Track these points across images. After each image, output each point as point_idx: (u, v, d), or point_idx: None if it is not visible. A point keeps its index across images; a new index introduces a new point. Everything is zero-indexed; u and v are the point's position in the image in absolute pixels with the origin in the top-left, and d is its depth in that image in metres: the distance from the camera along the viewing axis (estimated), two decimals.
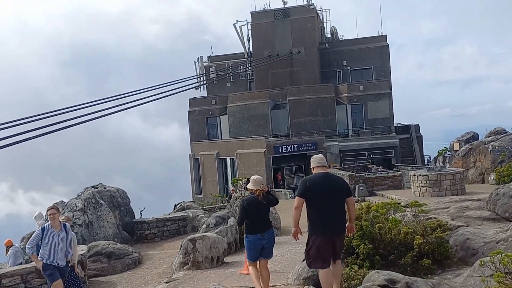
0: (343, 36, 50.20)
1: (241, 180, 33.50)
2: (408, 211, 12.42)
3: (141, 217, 16.65)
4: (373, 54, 44.75)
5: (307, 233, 6.20)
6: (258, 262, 7.10)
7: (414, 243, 8.30)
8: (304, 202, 6.13)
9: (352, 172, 25.83)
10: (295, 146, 36.08)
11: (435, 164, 35.26)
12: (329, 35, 48.97)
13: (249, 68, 44.69)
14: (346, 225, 6.23)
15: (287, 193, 33.27)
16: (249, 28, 45.12)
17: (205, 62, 47.38)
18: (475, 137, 31.72)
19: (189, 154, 43.33)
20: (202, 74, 43.16)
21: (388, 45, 44.92)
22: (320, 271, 6.03)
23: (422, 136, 43.63)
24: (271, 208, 8.07)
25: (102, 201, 14.31)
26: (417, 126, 43.97)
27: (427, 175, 19.01)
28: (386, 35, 45.30)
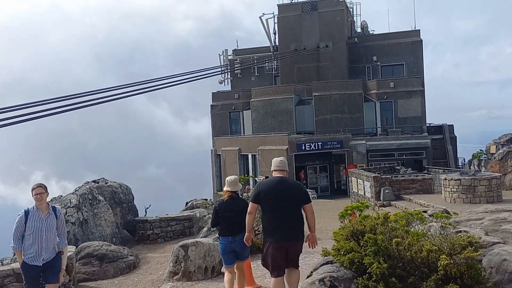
0: (373, 30, 48.20)
1: (257, 178, 32.25)
2: (434, 222, 10.82)
3: (145, 215, 15.51)
4: (405, 49, 42.59)
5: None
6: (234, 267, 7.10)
7: (439, 263, 6.79)
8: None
9: (378, 173, 24.13)
10: (319, 144, 34.48)
11: (469, 168, 33.09)
12: (359, 30, 47.04)
13: (274, 60, 43.27)
14: (307, 235, 6.01)
15: (309, 193, 31.75)
16: (276, 21, 43.67)
17: (230, 55, 46.20)
18: None
19: (211, 150, 42.27)
20: (226, 65, 41.97)
21: (421, 41, 42.66)
22: (272, 279, 5.86)
23: (456, 137, 41.33)
24: None
25: (101, 197, 13.21)
26: (451, 127, 41.68)
27: (459, 179, 17.22)
28: (419, 30, 43.09)
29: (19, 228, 6.35)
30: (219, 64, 46.49)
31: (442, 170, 22.64)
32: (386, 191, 20.40)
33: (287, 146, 34.01)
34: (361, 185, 22.98)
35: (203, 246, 9.44)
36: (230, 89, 45.05)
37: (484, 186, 17.18)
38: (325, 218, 19.13)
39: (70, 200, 12.70)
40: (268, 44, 44.92)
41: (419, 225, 8.45)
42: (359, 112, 38.04)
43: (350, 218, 9.56)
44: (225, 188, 7.23)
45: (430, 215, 10.91)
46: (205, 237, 10.67)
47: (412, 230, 7.91)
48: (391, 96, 38.34)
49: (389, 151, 35.11)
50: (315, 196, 31.65)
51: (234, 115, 42.19)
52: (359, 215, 9.33)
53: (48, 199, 6.95)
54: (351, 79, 40.69)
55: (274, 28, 44.31)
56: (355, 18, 46.95)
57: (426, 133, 36.27)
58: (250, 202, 5.99)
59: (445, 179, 17.93)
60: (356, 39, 43.93)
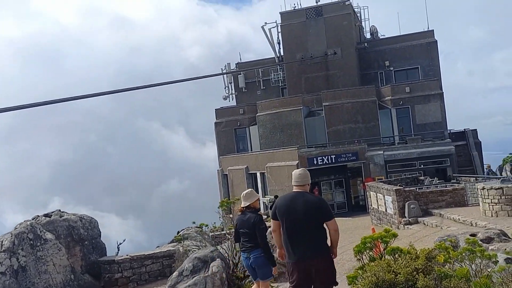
0: (384, 35, 45.48)
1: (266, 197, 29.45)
2: (492, 248, 7.97)
3: (117, 253, 12.73)
4: (419, 51, 39.80)
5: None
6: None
7: None
8: None
9: (399, 185, 21.21)
10: (333, 157, 31.63)
11: (500, 174, 29.88)
12: (368, 35, 44.43)
13: (281, 72, 40.81)
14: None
15: None
16: (279, 30, 41.32)
17: (233, 69, 43.82)
18: None
19: (217, 170, 39.64)
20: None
21: (436, 41, 39.86)
22: None
23: (481, 142, 38.07)
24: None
25: (49, 235, 10.44)
26: (475, 131, 38.46)
27: (501, 188, 14.28)
28: (433, 30, 40.32)
29: None
30: (223, 80, 44.29)
31: (475, 178, 19.55)
32: (412, 206, 17.47)
33: (297, 161, 31.22)
34: (382, 200, 20.06)
35: None
36: (235, 104, 42.55)
37: None
38: (341, 242, 16.24)
39: (1, 242, 9.95)
40: (273, 55, 42.52)
41: (479, 261, 5.61)
42: (374, 120, 35.17)
43: (372, 252, 6.79)
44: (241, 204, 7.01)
45: (483, 240, 8.01)
46: (176, 284, 7.90)
47: (472, 272, 5.09)
48: (408, 101, 35.46)
49: (409, 161, 32.12)
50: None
51: (240, 131, 39.59)
52: (384, 249, 6.56)
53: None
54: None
55: (278, 38, 41.98)
56: (363, 23, 44.41)
57: (449, 139, 33.19)
58: (271, 219, 5.73)
59: (483, 188, 14.98)
60: (366, 44, 41.34)
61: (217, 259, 8.33)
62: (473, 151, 35.83)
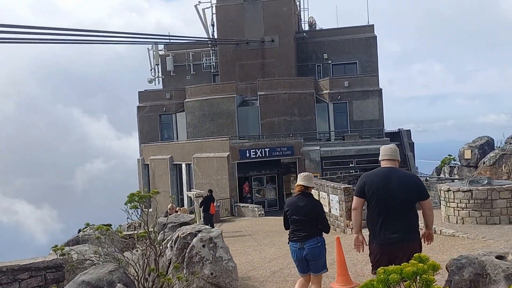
0: (322, 28, 43.71)
1: (196, 193, 26.19)
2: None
3: None
4: (358, 46, 38.40)
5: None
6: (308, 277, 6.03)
7: None
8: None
9: (343, 183, 18.90)
10: (267, 150, 29.04)
11: (438, 175, 28.83)
12: (306, 27, 42.44)
13: (213, 57, 37.68)
14: (422, 232, 5.15)
15: (256, 209, 26.16)
16: (214, 11, 38.13)
17: (161, 50, 39.97)
18: (490, 142, 25.45)
19: (138, 159, 35.74)
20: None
21: (375, 37, 38.67)
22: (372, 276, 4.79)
23: (414, 143, 37.41)
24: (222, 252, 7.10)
25: None
26: (409, 132, 37.78)
27: (471, 190, 12.27)
28: (373, 25, 39.09)
29: None
30: (149, 62, 40.29)
31: (437, 179, 17.65)
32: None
33: (228, 153, 28.30)
34: (325, 199, 17.64)
35: None
36: (161, 88, 38.78)
37: (505, 200, 12.27)
38: (281, 248, 13.53)
39: None
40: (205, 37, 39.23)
41: None
42: (310, 114, 33.10)
43: None
44: (297, 182, 6.03)
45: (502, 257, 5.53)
46: None
47: None
48: (346, 96, 33.79)
49: (346, 158, 30.35)
50: (262, 212, 26.07)
51: (166, 118, 35.94)
52: None
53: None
54: None
55: (212, 20, 38.76)
56: (302, 13, 42.37)
57: (387, 138, 31.82)
58: (354, 196, 5.24)
59: (449, 190, 12.87)
60: (305, 34, 39.27)
61: (118, 285, 5.17)
62: (407, 151, 34.86)
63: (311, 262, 5.91)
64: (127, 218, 7.61)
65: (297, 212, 5.90)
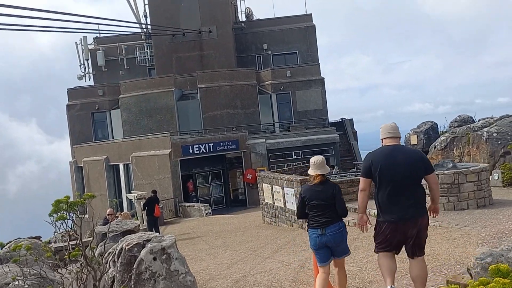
0: (259, 18, 42.70)
1: (135, 195, 24.27)
2: None
3: None
4: (297, 36, 37.70)
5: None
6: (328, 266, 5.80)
7: None
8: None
9: (295, 175, 17.86)
10: (211, 145, 27.59)
11: None
12: (243, 18, 41.26)
13: (148, 50, 35.58)
14: (428, 206, 5.12)
15: (202, 208, 24.64)
16: (146, 1, 35.99)
17: (90, 44, 37.28)
18: (434, 127, 25.45)
19: (70, 162, 33.03)
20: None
21: (314, 26, 38.09)
22: (380, 253, 5.03)
23: (357, 132, 37.34)
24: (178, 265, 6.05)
25: None
26: (351, 121, 37.65)
27: (437, 175, 11.57)
28: (311, 14, 38.55)
29: None
30: (78, 58, 37.48)
31: None
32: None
33: (170, 150, 26.55)
34: (279, 193, 16.49)
35: None
36: (93, 84, 36.15)
37: (471, 183, 11.67)
38: (237, 249, 12.17)
39: None
40: (138, 29, 36.96)
41: None
42: (253, 106, 31.95)
43: None
44: (311, 171, 5.86)
45: None
46: None
47: None
48: (288, 87, 32.95)
49: (293, 150, 29.51)
50: (210, 211, 24.60)
51: (99, 116, 33.46)
52: None
53: None
54: None
55: (144, 11, 36.62)
56: (238, 3, 41.12)
57: (333, 128, 31.31)
58: (360, 177, 5.18)
59: None
60: (243, 24, 38.05)
61: None
62: (352, 140, 34.69)
63: (334, 248, 5.78)
64: (54, 232, 5.98)
65: (316, 197, 5.69)
